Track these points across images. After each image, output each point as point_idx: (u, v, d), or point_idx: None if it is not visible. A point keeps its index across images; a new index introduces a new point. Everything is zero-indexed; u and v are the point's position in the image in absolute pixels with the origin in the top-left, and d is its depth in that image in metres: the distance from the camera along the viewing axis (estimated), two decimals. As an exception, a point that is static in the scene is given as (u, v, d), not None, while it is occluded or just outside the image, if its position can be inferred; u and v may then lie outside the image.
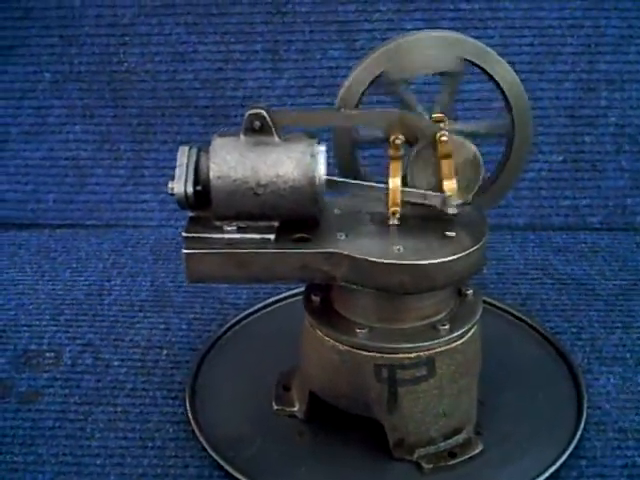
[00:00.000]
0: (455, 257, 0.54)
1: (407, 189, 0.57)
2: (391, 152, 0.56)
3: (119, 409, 0.65)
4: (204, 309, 0.80)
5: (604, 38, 0.93)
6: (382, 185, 0.57)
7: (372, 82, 0.58)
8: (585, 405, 0.63)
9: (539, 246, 0.91)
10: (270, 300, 0.78)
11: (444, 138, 0.55)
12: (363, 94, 0.58)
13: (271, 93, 0.96)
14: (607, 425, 0.63)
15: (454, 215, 0.56)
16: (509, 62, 0.96)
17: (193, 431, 0.62)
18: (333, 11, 0.94)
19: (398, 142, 0.55)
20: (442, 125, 0.57)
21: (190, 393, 0.66)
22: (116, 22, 0.94)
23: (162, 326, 0.77)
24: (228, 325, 0.75)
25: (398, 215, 0.57)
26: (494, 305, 0.76)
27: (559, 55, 0.94)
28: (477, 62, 0.59)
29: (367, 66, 0.58)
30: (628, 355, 0.71)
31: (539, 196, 0.96)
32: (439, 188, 0.57)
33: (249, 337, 0.74)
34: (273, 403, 0.64)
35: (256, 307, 0.77)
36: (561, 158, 0.96)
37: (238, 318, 0.76)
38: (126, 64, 0.96)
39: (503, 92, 0.60)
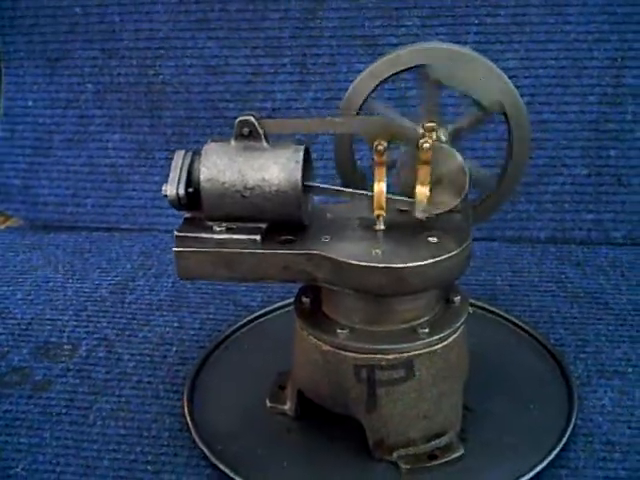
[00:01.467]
0: (430, 261, 0.55)
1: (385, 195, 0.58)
2: (375, 158, 0.58)
3: (122, 399, 0.69)
4: (218, 310, 0.83)
5: (630, 52, 0.92)
6: (361, 192, 0.59)
7: (374, 89, 0.62)
8: (574, 416, 0.63)
9: (558, 259, 0.91)
10: (280, 304, 0.80)
11: (426, 145, 0.56)
12: (365, 100, 0.62)
13: (299, 105, 0.99)
14: (595, 437, 0.62)
15: (428, 219, 0.58)
16: (534, 76, 0.97)
17: (187, 423, 0.65)
18: (359, 26, 0.96)
19: (380, 148, 0.57)
20: (433, 133, 0.59)
21: (190, 387, 0.68)
22: (152, 36, 0.99)
23: (176, 324, 0.80)
24: (236, 326, 0.77)
25: (383, 218, 0.58)
26: (497, 314, 0.76)
27: (584, 69, 0.93)
28: None
29: (368, 74, 0.62)
30: (630, 369, 0.70)
31: (562, 210, 0.95)
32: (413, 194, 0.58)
33: (256, 338, 0.76)
34: (267, 400, 0.67)
35: (265, 310, 0.80)
36: (585, 172, 0.95)
37: (247, 319, 0.78)
38: (162, 76, 1.01)
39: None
